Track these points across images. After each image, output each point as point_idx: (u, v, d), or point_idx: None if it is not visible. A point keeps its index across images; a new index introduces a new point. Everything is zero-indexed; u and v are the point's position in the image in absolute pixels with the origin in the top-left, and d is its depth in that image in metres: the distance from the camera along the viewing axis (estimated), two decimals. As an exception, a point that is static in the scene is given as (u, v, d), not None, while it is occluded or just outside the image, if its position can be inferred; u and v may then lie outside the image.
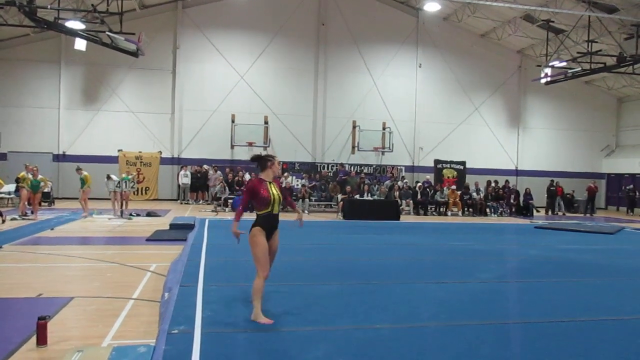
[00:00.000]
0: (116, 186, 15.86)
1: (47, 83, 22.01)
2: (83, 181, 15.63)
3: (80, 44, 17.50)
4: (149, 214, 16.26)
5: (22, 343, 4.50)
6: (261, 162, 5.40)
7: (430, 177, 23.15)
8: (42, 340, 4.45)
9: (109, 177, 16.09)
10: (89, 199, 16.09)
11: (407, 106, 25.01)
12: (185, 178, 21.47)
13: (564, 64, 21.60)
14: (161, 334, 4.51)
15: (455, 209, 20.84)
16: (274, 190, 5.28)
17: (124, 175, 16.83)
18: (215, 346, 4.33)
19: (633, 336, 5.02)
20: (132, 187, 16.10)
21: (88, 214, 15.48)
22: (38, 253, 9.12)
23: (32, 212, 14.88)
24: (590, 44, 19.59)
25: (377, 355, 4.28)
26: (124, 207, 15.91)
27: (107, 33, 16.77)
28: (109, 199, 16.35)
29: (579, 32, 20.54)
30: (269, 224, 5.21)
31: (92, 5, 16.80)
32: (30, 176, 14.77)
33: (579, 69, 20.51)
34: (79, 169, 15.98)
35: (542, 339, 4.83)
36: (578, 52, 20.43)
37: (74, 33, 17.02)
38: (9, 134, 21.64)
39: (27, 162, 15.80)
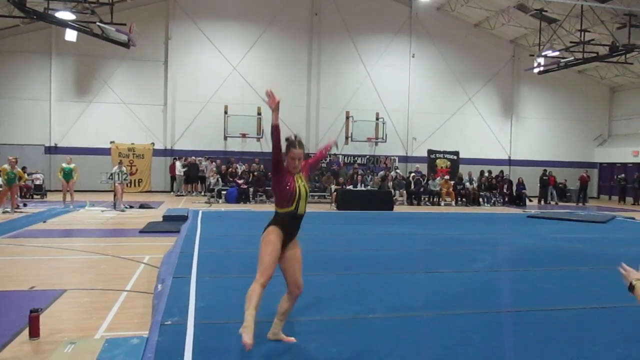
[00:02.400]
0: (109, 178, 15.79)
1: (38, 74, 21.82)
2: (72, 171, 15.62)
3: (70, 35, 17.36)
4: (142, 206, 16.21)
5: (14, 335, 4.48)
6: (289, 142, 4.24)
7: (420, 166, 23.14)
8: (34, 333, 4.44)
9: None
10: (76, 191, 16.07)
11: (401, 96, 24.99)
12: (180, 169, 21.41)
13: (556, 53, 21.62)
14: (154, 326, 4.50)
15: (448, 199, 20.90)
16: (301, 183, 4.21)
17: (122, 169, 16.46)
18: (208, 337, 4.33)
19: (624, 324, 5.06)
20: (124, 180, 16.01)
21: (74, 206, 15.46)
22: (30, 246, 9.08)
23: (13, 207, 14.38)
24: (583, 33, 19.61)
25: (371, 345, 4.29)
26: (117, 198, 15.83)
27: (98, 24, 16.62)
28: (105, 191, 16.30)
29: (572, 21, 20.55)
30: (289, 227, 4.17)
31: (82, -5, 16.64)
32: (7, 167, 14.22)
33: (572, 58, 20.54)
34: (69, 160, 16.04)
35: (534, 327, 4.86)
36: (571, 42, 20.46)
37: (64, 24, 16.86)
38: (0, 126, 21.46)
39: (10, 155, 15.49)
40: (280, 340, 4.28)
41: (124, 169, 16.49)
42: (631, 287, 2.30)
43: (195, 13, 22.84)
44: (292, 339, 4.32)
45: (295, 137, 4.24)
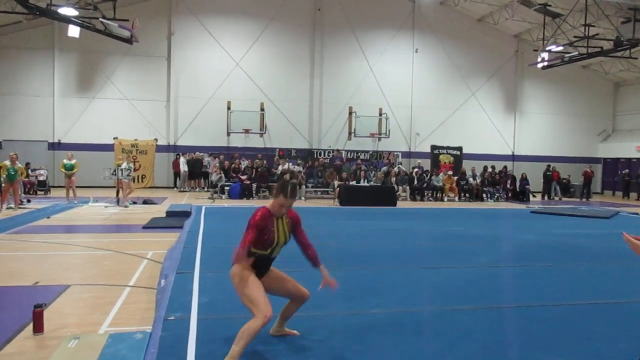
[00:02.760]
0: (112, 174, 15.82)
1: (41, 71, 21.85)
2: (72, 167, 15.69)
3: (73, 31, 17.36)
4: (146, 202, 16.24)
5: (18, 331, 4.50)
6: (280, 187, 3.98)
7: (422, 162, 23.09)
8: (38, 328, 4.46)
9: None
10: (80, 187, 16.23)
11: (404, 92, 24.93)
12: (184, 165, 21.40)
13: (560, 48, 21.52)
14: (157, 321, 4.52)
15: (451, 195, 20.87)
16: (282, 230, 4.00)
17: (127, 164, 16.17)
18: (211, 332, 4.35)
19: (627, 319, 5.06)
20: (128, 176, 16.01)
21: (78, 201, 15.51)
22: (34, 241, 9.11)
23: (16, 203, 14.35)
24: (587, 28, 19.49)
25: (373, 340, 4.30)
26: (120, 195, 15.83)
27: (101, 20, 16.61)
28: (109, 187, 16.35)
29: (576, 16, 20.43)
30: (259, 267, 3.98)
31: (85, -9, 16.64)
32: (7, 163, 14.01)
33: (576, 53, 20.43)
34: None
35: (537, 323, 4.86)
36: (575, 36, 20.34)
37: (67, 20, 16.85)
38: (4, 123, 21.53)
39: (11, 152, 15.44)
40: (284, 334, 4.29)
41: (127, 165, 16.47)
42: None
43: (197, 9, 22.81)
44: (295, 332, 4.33)
45: (290, 180, 4.10)
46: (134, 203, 15.88)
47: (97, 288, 6.11)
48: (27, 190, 18.24)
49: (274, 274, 4.14)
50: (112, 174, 15.90)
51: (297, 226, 4.16)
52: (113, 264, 7.47)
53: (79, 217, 12.92)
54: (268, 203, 4.03)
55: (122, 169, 15.75)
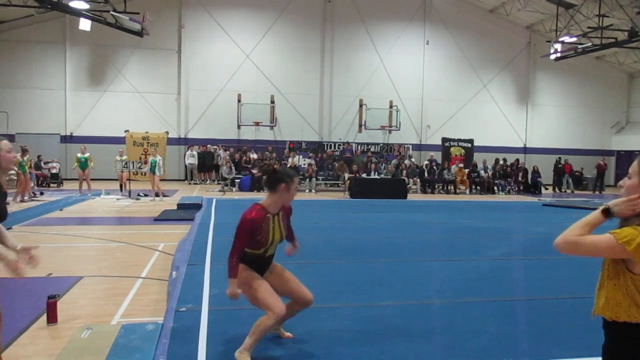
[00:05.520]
0: (124, 166, 15.92)
1: (52, 64, 22.00)
2: (87, 160, 15.84)
3: (84, 24, 17.45)
4: (157, 194, 16.30)
5: (33, 321, 4.57)
6: (272, 179, 3.70)
7: (434, 154, 22.96)
8: (52, 319, 4.52)
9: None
10: (92, 179, 16.47)
11: (415, 84, 24.79)
12: (191, 158, 21.45)
13: (574, 39, 21.26)
14: (169, 312, 4.56)
15: (462, 187, 20.78)
16: (277, 228, 3.75)
17: (154, 158, 15.73)
18: (222, 324, 4.38)
19: None
20: (139, 168, 16.06)
21: (91, 194, 15.65)
22: (47, 233, 9.21)
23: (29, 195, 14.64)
24: (601, 18, 19.23)
25: (384, 333, 4.30)
26: (156, 189, 15.55)
27: (112, 13, 16.69)
28: (117, 180, 16.49)
29: (590, 6, 20.16)
30: (256, 266, 3.77)
31: (96, -16, 16.68)
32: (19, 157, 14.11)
33: (590, 44, 20.20)
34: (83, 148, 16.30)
35: (549, 316, 4.83)
36: (589, 27, 20.09)
37: (78, 13, 16.95)
38: (17, 116, 21.71)
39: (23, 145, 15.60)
40: (277, 335, 4.12)
41: (156, 158, 16.15)
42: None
43: (208, 1, 22.79)
44: (290, 334, 4.14)
45: (283, 169, 3.84)
46: (145, 195, 15.97)
47: (109, 279, 6.17)
48: (39, 182, 18.44)
49: (277, 270, 3.90)
50: (124, 166, 15.98)
51: (289, 215, 3.98)
52: (125, 255, 7.53)
53: (91, 209, 13.04)
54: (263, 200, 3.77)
55: (132, 162, 15.86)
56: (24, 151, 14.69)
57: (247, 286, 3.66)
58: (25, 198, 14.31)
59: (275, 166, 3.81)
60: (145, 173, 17.77)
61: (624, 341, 2.10)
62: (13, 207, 12.80)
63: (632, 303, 2.04)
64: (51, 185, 19.39)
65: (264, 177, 3.80)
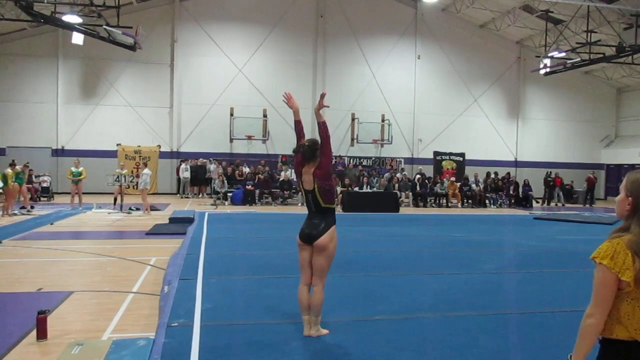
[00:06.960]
0: (115, 180, 15.85)
1: (45, 78, 21.95)
2: (80, 174, 15.80)
3: (77, 38, 17.46)
4: (138, 208, 16.25)
5: (22, 337, 4.51)
6: (309, 151, 4.59)
7: (423, 168, 23.03)
8: (42, 334, 4.47)
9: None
10: (83, 193, 16.45)
11: (406, 98, 24.95)
12: (186, 172, 21.39)
13: (563, 54, 21.54)
14: (161, 327, 4.52)
15: (454, 201, 20.85)
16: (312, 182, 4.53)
17: (147, 171, 16.31)
18: (214, 339, 4.35)
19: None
20: (130, 182, 16.01)
21: (83, 207, 15.59)
22: (38, 248, 9.13)
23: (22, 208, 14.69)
24: (589, 34, 19.53)
25: (377, 347, 4.29)
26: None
27: (105, 27, 16.70)
28: (111, 194, 16.42)
29: (578, 22, 20.47)
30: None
31: (89, -2, 16.73)
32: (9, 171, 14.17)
33: (578, 59, 20.46)
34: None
35: (541, 329, 4.85)
36: (577, 43, 20.38)
37: (71, 27, 16.96)
38: (8, 129, 21.59)
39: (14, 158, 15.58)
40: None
41: (148, 170, 16.35)
42: None
43: (201, 16, 22.92)
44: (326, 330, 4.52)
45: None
46: (137, 209, 15.89)
47: (100, 294, 6.11)
48: (30, 196, 18.29)
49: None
50: (115, 180, 15.91)
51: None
52: (116, 270, 7.48)
53: (82, 223, 12.95)
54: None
55: (125, 176, 15.82)
56: (12, 165, 14.59)
57: (333, 251, 4.46)
58: (17, 212, 14.19)
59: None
60: (135, 187, 17.76)
61: (602, 357, 2.14)
62: (3, 221, 12.70)
63: (614, 320, 2.06)
64: (42, 199, 19.25)
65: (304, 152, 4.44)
